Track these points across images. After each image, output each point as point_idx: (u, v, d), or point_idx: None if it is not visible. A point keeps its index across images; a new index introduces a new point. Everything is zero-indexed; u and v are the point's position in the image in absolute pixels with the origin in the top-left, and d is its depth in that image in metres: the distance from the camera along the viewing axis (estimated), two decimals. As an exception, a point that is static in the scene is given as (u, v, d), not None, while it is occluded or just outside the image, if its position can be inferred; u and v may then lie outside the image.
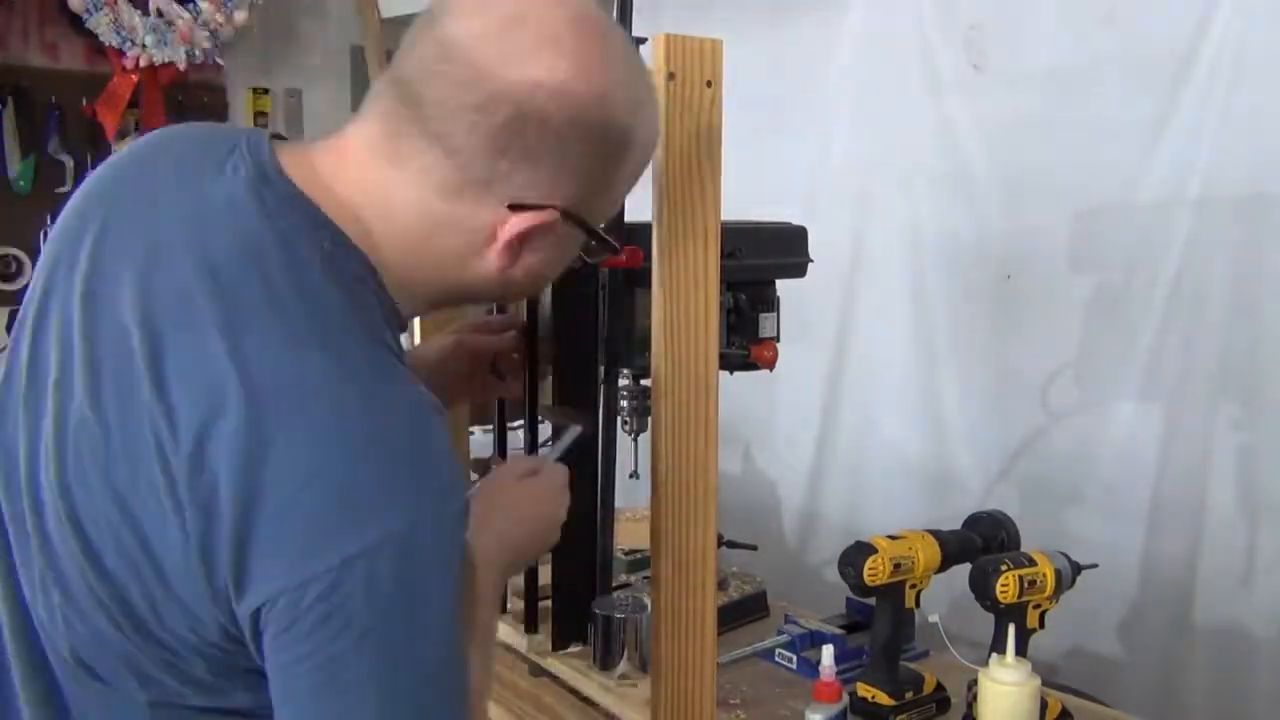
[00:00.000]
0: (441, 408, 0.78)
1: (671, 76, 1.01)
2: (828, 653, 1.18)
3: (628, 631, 1.33)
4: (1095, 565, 1.38)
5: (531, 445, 1.36)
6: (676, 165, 1.03)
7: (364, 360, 0.75)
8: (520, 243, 0.83)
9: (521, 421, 1.39)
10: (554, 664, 1.38)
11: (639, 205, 1.12)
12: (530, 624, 1.38)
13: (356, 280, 0.79)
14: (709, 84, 1.04)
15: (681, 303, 1.05)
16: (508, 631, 1.42)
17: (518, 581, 1.43)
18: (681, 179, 1.03)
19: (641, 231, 1.11)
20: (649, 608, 1.28)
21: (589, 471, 1.32)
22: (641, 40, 1.18)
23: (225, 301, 0.74)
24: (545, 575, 1.38)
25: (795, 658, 1.52)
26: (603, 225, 0.91)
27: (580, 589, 1.37)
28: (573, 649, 1.42)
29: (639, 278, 1.23)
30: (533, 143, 0.79)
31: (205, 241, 0.76)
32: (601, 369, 1.31)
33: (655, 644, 1.09)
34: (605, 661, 1.34)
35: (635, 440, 1.42)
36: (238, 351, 0.72)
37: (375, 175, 0.82)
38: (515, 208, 0.81)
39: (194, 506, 0.70)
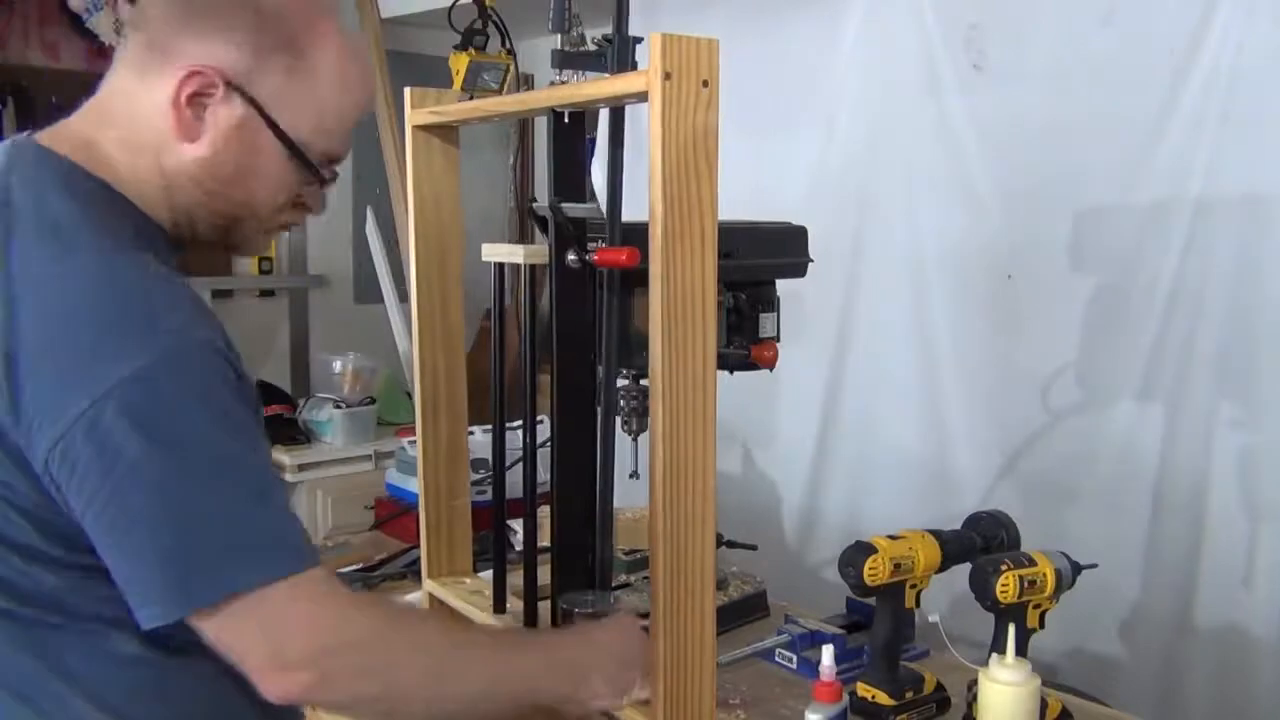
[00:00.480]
0: (171, 274, 0.89)
1: (668, 76, 1.01)
2: (828, 653, 1.18)
3: None
4: (1095, 565, 1.38)
5: (531, 445, 1.35)
6: (673, 165, 1.03)
7: (94, 246, 0.86)
8: (190, 105, 0.90)
9: (520, 422, 1.39)
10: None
11: (637, 205, 1.12)
12: (530, 623, 1.37)
13: (91, 194, 0.90)
14: (705, 84, 1.03)
15: (679, 303, 1.05)
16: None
17: (517, 582, 1.43)
18: (678, 179, 1.03)
19: (639, 232, 1.11)
20: (618, 601, 1.30)
21: (589, 471, 1.32)
22: (638, 40, 1.18)
23: None
24: (545, 575, 1.38)
25: (795, 658, 1.52)
26: (313, 146, 0.96)
27: (579, 589, 1.37)
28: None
29: (637, 278, 1.23)
30: (204, 6, 0.90)
31: None
32: (601, 369, 1.31)
33: (655, 644, 1.09)
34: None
35: (635, 440, 1.42)
36: None
37: (102, 94, 0.96)
38: (188, 76, 0.90)
39: None
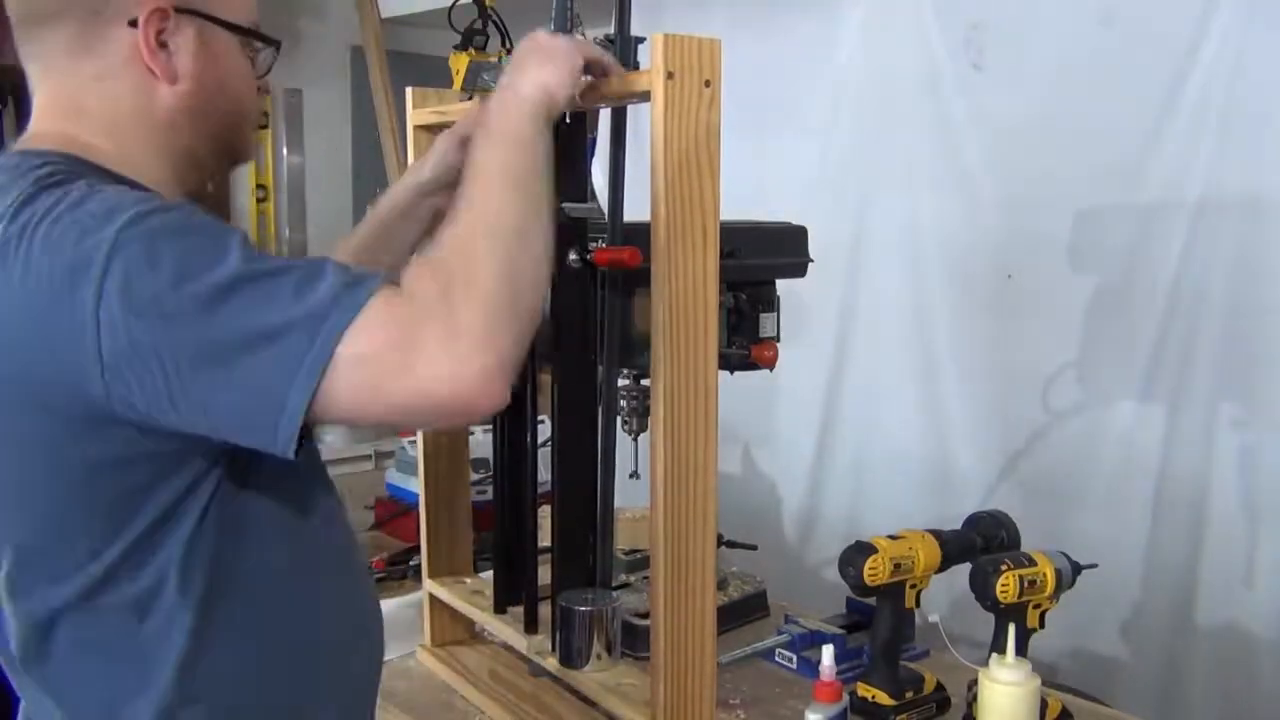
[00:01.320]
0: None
1: (670, 76, 1.01)
2: (828, 653, 1.18)
3: (593, 626, 1.29)
4: (1095, 565, 1.38)
5: (533, 445, 1.35)
6: (675, 165, 1.03)
7: (40, 195, 0.83)
8: (161, 48, 0.91)
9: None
10: (554, 664, 1.37)
11: (638, 205, 1.12)
12: (530, 624, 1.37)
13: (95, 173, 0.88)
14: (707, 83, 1.04)
15: (681, 303, 1.05)
16: (508, 632, 1.41)
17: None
18: (680, 178, 1.03)
19: (641, 231, 1.11)
20: (615, 600, 1.30)
21: (589, 471, 1.32)
22: (640, 40, 1.18)
23: None
24: (545, 575, 1.37)
25: (795, 658, 1.52)
26: (248, 24, 0.97)
27: (579, 588, 1.36)
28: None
29: (638, 278, 1.23)
30: None
31: None
32: (601, 369, 1.31)
33: (655, 644, 1.09)
34: (569, 657, 1.30)
35: (635, 440, 1.42)
36: None
37: (58, 94, 0.93)
38: (133, 23, 0.89)
39: None
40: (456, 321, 0.80)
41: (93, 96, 0.92)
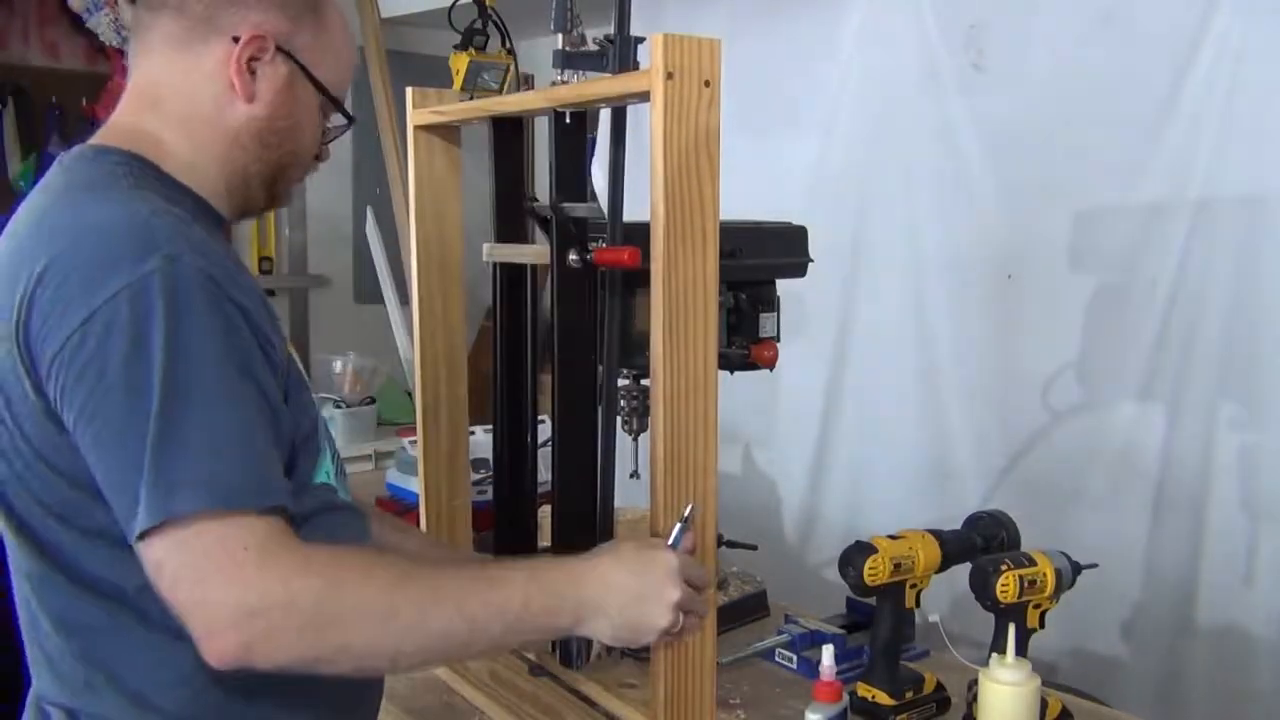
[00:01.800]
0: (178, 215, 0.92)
1: (670, 76, 1.01)
2: (828, 653, 1.18)
3: None
4: (1095, 565, 1.38)
5: (533, 446, 1.35)
6: (675, 165, 1.03)
7: (120, 193, 0.92)
8: (249, 69, 0.99)
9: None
10: (553, 663, 1.37)
11: (638, 205, 1.12)
12: None
13: (142, 173, 0.96)
14: (707, 84, 1.04)
15: (680, 303, 1.05)
16: None
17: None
18: (680, 179, 1.03)
19: (641, 231, 1.11)
20: None
21: (590, 472, 1.31)
22: (640, 40, 1.18)
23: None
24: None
25: (795, 658, 1.52)
26: (334, 90, 1.06)
27: None
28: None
29: (638, 278, 1.22)
30: None
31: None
32: (601, 370, 1.31)
33: (655, 644, 1.08)
34: (569, 657, 1.28)
35: (635, 440, 1.42)
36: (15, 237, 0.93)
37: (143, 77, 1.01)
38: (236, 40, 0.98)
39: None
40: (286, 615, 0.81)
41: (175, 89, 0.99)
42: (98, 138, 1.01)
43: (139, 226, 0.87)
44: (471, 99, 1.37)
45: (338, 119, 1.09)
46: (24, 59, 3.01)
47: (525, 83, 1.42)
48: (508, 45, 1.38)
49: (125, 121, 1.01)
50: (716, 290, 1.08)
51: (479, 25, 1.36)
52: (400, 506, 2.22)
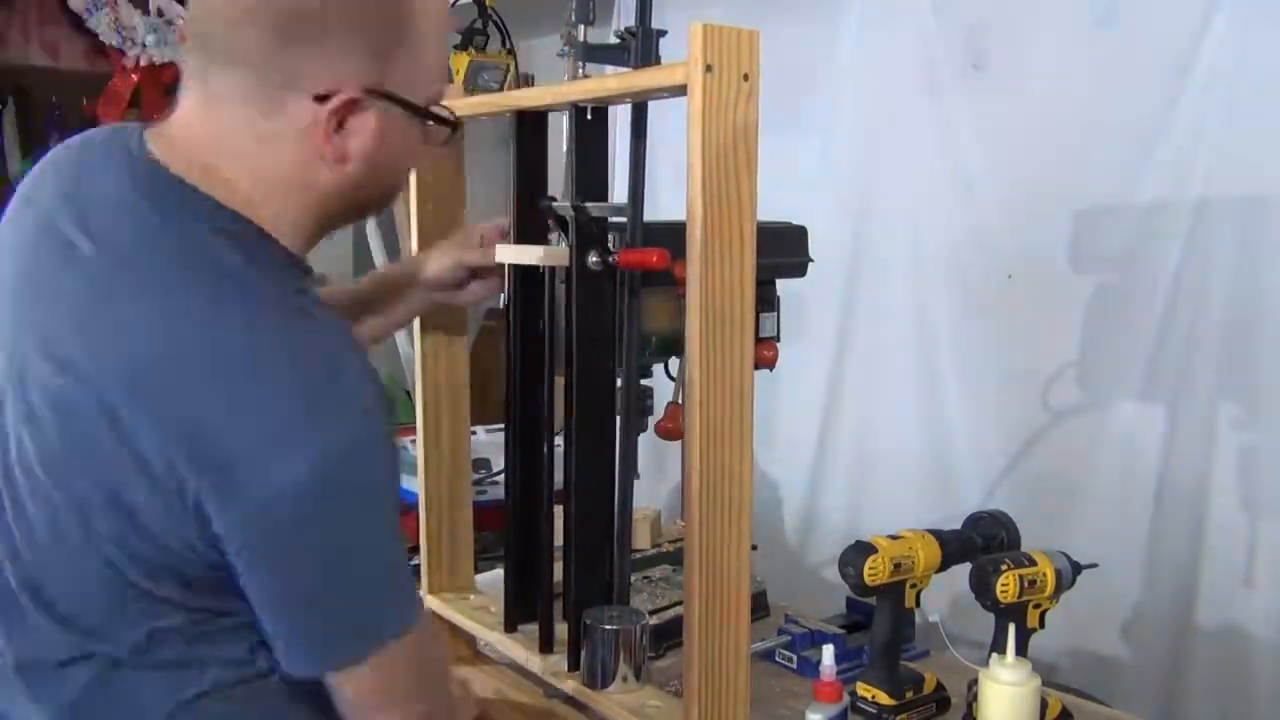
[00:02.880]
0: (357, 340, 0.88)
1: (709, 69, 0.96)
2: (828, 653, 1.18)
3: (620, 646, 1.22)
4: (1095, 565, 1.38)
5: (549, 454, 1.32)
6: (713, 162, 0.98)
7: (271, 293, 0.84)
8: (338, 131, 0.86)
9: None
10: (572, 685, 1.28)
11: (670, 203, 1.10)
12: (545, 645, 1.30)
13: (241, 236, 0.86)
14: (745, 77, 1.00)
15: (717, 307, 1.00)
16: (520, 652, 1.35)
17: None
18: (717, 176, 0.99)
19: (658, 231, 1.10)
20: (644, 618, 1.24)
21: (606, 477, 1.28)
22: (662, 33, 1.16)
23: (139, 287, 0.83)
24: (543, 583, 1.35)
25: (795, 658, 1.52)
26: (431, 101, 0.93)
27: (598, 603, 1.28)
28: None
29: (644, 277, 1.22)
30: (312, 27, 0.83)
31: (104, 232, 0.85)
32: (619, 371, 1.28)
33: (688, 668, 1.04)
34: (597, 678, 1.23)
35: (635, 440, 1.41)
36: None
37: (213, 128, 0.87)
38: (319, 99, 0.84)
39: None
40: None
41: (248, 149, 0.87)
42: (158, 143, 0.88)
43: (331, 364, 0.82)
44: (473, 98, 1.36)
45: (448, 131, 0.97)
46: (24, 59, 3.01)
47: (525, 82, 1.41)
48: (508, 45, 1.38)
49: (189, 150, 0.87)
50: (753, 293, 1.04)
51: (479, 25, 1.36)
52: (400, 506, 2.21)
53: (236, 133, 0.86)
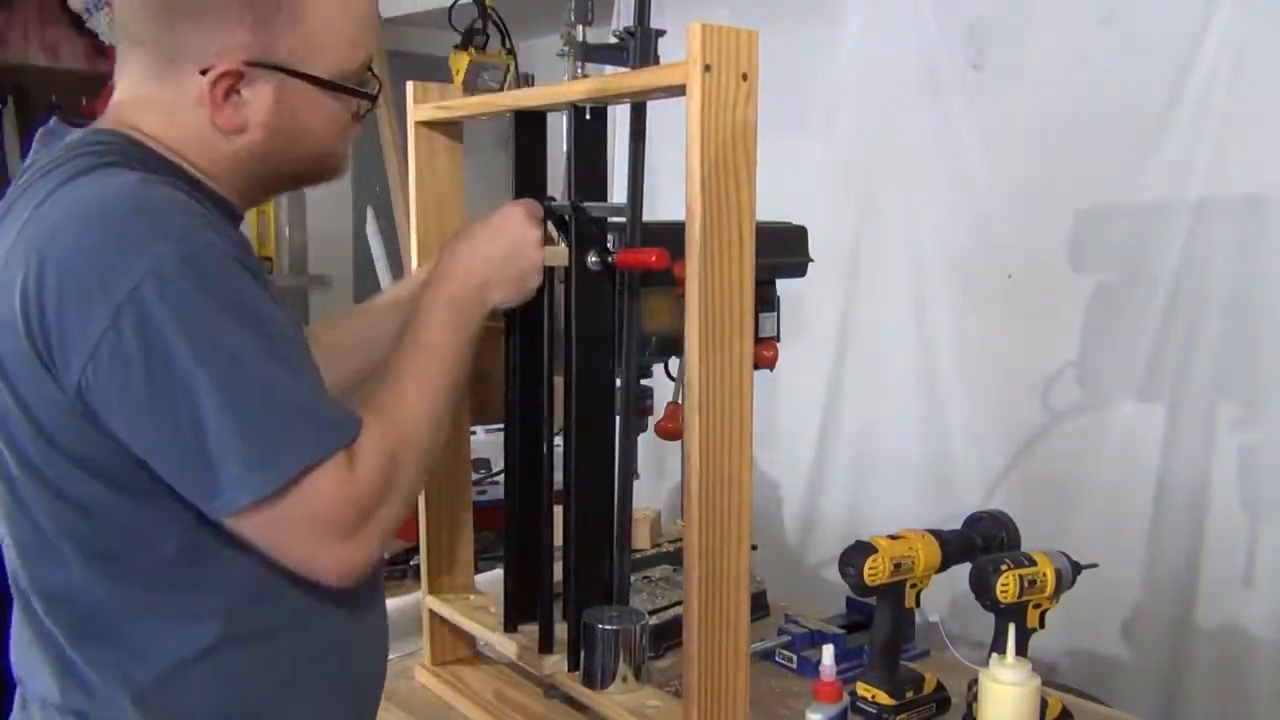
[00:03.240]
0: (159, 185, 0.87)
1: (708, 69, 0.97)
2: (828, 653, 1.18)
3: (620, 647, 1.21)
4: (1095, 565, 1.38)
5: (549, 456, 1.32)
6: (711, 162, 0.99)
7: (121, 175, 0.86)
8: (227, 99, 0.90)
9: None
10: (571, 685, 1.28)
11: (668, 203, 1.10)
12: (545, 645, 1.30)
13: (115, 144, 0.90)
14: (744, 77, 1.00)
15: (717, 307, 1.01)
16: (520, 653, 1.34)
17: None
18: (716, 176, 0.99)
19: (657, 231, 1.10)
20: (644, 618, 1.24)
21: (605, 478, 1.28)
22: (660, 33, 1.16)
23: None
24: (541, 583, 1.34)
25: (795, 658, 1.52)
26: (338, 73, 0.94)
27: (597, 602, 1.28)
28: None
29: (643, 277, 1.22)
30: (192, 3, 0.89)
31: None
32: (618, 371, 1.27)
33: (688, 668, 1.04)
34: (596, 678, 1.23)
35: (635, 440, 1.41)
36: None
37: (132, 103, 0.93)
38: (203, 72, 0.89)
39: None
40: (379, 520, 0.88)
41: (162, 123, 0.92)
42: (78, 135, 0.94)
43: (144, 203, 0.83)
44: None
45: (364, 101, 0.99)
46: (24, 59, 3.01)
47: (525, 82, 1.41)
48: (508, 45, 1.38)
49: (120, 116, 0.93)
50: (752, 293, 1.04)
51: (479, 25, 1.36)
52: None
53: (149, 105, 0.92)
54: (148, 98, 0.92)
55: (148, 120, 0.92)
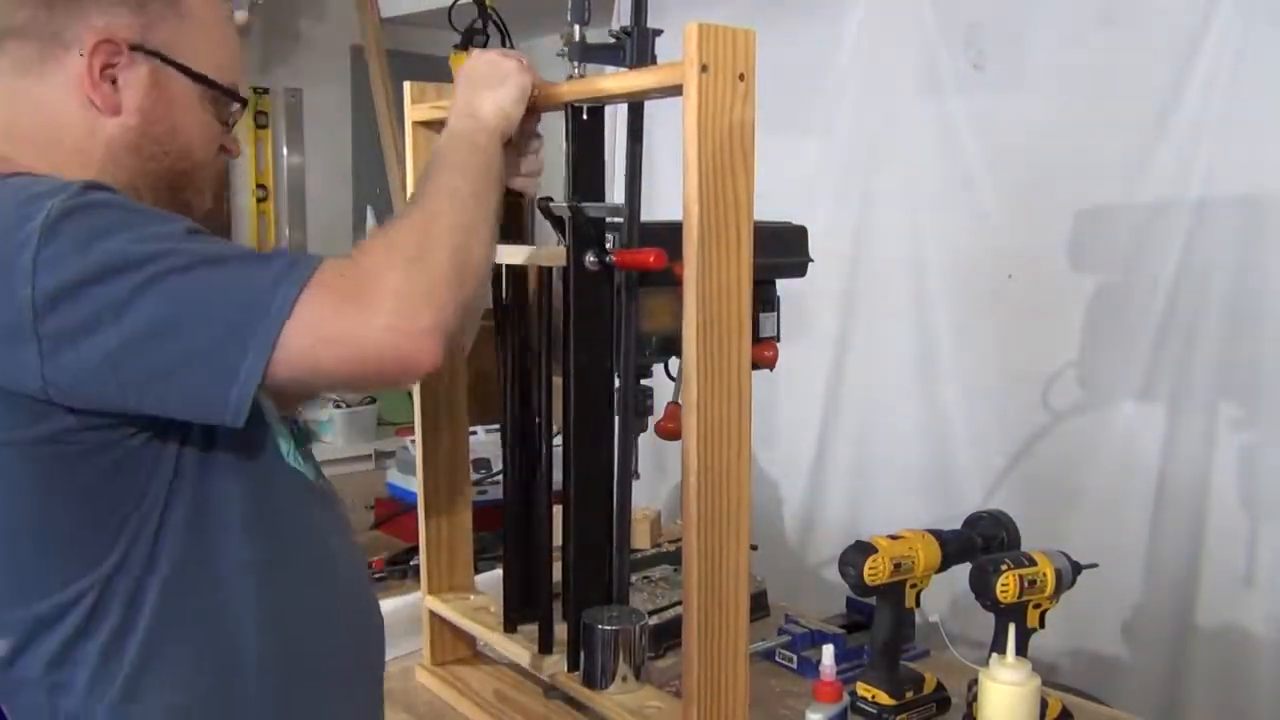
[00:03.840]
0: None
1: (704, 69, 0.97)
2: (828, 653, 1.18)
3: (619, 647, 1.21)
4: (1095, 565, 1.38)
5: (547, 456, 1.32)
6: (709, 162, 0.98)
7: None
8: (103, 77, 0.90)
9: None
10: (571, 684, 1.28)
11: (666, 204, 1.10)
12: (545, 645, 1.30)
13: None
14: (741, 77, 1.00)
15: (714, 307, 1.01)
16: (519, 653, 1.34)
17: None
18: (714, 176, 0.99)
19: (654, 231, 1.10)
20: (643, 618, 1.24)
21: (604, 476, 1.28)
22: (658, 32, 1.16)
23: None
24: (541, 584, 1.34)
25: (795, 658, 1.52)
26: (214, 75, 0.96)
27: (597, 603, 1.28)
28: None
29: (642, 277, 1.21)
30: None
31: None
32: (616, 371, 1.27)
33: (688, 668, 1.04)
34: (597, 678, 1.23)
35: (635, 440, 1.41)
36: None
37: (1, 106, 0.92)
38: (84, 55, 0.89)
39: None
40: (404, 281, 0.83)
41: (32, 120, 0.91)
42: None
43: (29, 185, 0.82)
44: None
45: (235, 105, 1.00)
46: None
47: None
48: (508, 45, 1.38)
49: None
50: (750, 293, 1.04)
51: (479, 25, 1.36)
52: (400, 506, 2.22)
53: (19, 107, 0.91)
54: (19, 98, 0.91)
55: (16, 140, 0.91)
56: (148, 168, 0.94)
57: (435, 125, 1.44)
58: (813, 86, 2.47)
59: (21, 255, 0.77)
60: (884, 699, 1.36)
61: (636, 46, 1.15)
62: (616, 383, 1.27)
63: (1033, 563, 1.31)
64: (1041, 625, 1.32)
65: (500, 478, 1.51)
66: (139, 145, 0.93)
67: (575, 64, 1.18)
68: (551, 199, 1.22)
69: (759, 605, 1.71)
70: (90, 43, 0.89)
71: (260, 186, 3.57)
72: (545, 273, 1.27)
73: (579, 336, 1.22)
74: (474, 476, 1.74)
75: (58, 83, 0.90)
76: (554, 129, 1.20)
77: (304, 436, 1.03)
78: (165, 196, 0.96)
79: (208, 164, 1.00)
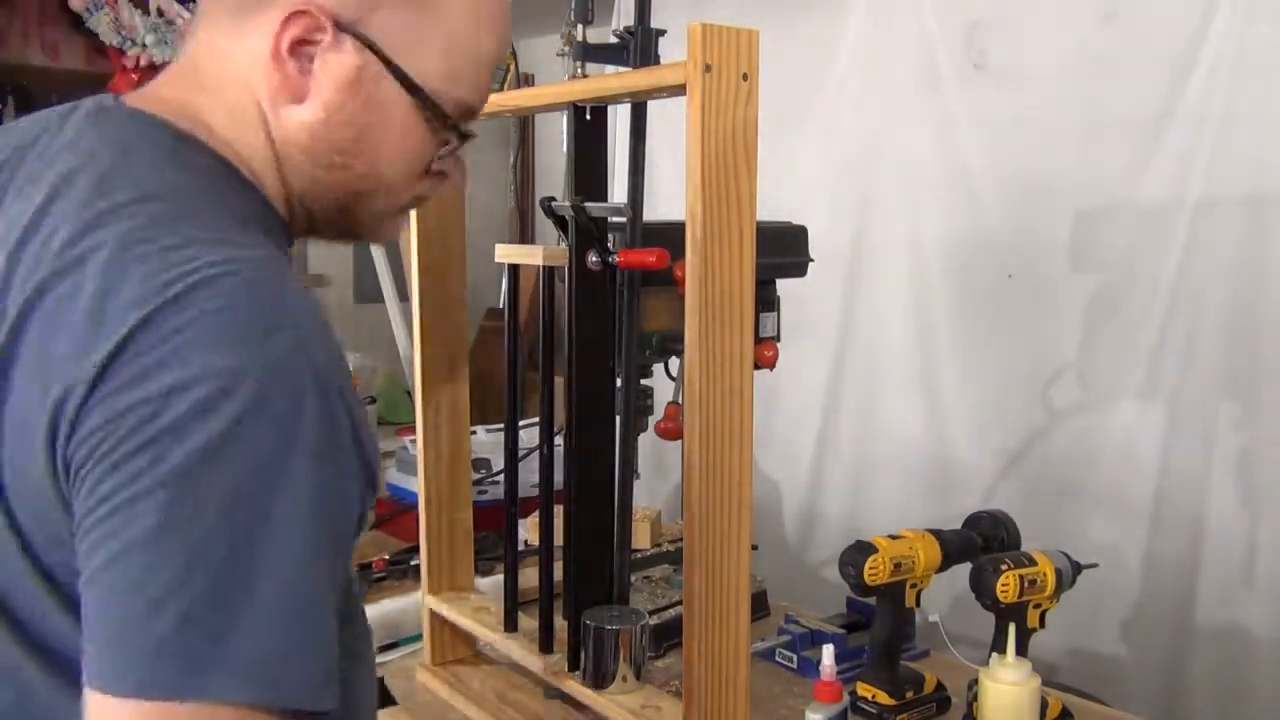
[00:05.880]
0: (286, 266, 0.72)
1: (708, 69, 0.97)
2: (828, 652, 1.18)
3: (620, 646, 1.21)
4: (1096, 565, 1.38)
5: (549, 450, 1.32)
6: (712, 162, 0.98)
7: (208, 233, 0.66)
8: (294, 56, 0.73)
9: (522, 422, 1.37)
10: (571, 684, 1.27)
11: (668, 203, 1.10)
12: (545, 645, 1.30)
13: (209, 170, 0.73)
14: (745, 77, 1.00)
15: (717, 307, 1.00)
16: (520, 652, 1.34)
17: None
18: (717, 176, 0.99)
19: (657, 231, 1.09)
20: (644, 618, 1.24)
21: (606, 476, 1.28)
22: (661, 32, 1.16)
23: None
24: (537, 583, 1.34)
25: (795, 657, 1.52)
26: (441, 95, 0.77)
27: (598, 603, 1.28)
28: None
29: (644, 277, 1.21)
30: None
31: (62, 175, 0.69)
32: (618, 371, 1.27)
33: (688, 668, 1.04)
34: (597, 678, 1.22)
35: (635, 440, 1.41)
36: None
37: (187, 56, 0.78)
38: (289, 19, 0.72)
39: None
40: None
41: (218, 71, 0.75)
42: (134, 98, 0.76)
43: (258, 284, 0.65)
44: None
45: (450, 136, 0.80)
46: (24, 59, 3.01)
47: (525, 82, 1.41)
48: (509, 46, 1.38)
49: (168, 93, 0.76)
50: (753, 293, 1.04)
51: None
52: (400, 506, 2.22)
53: (207, 54, 0.76)
54: (213, 49, 0.76)
55: (206, 96, 0.75)
56: (318, 175, 0.77)
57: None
58: (813, 86, 2.47)
59: (195, 366, 0.60)
60: (884, 699, 1.36)
61: (640, 47, 1.15)
62: (617, 382, 1.28)
63: (1033, 562, 1.31)
64: (1041, 625, 1.32)
65: (500, 477, 1.51)
66: (313, 149, 0.76)
67: (577, 64, 1.18)
68: (554, 199, 1.22)
69: (759, 605, 1.71)
70: (287, 8, 0.72)
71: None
72: (548, 272, 1.27)
73: (580, 336, 1.22)
74: (474, 476, 1.74)
75: (250, 40, 0.74)
76: (556, 129, 1.20)
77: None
78: (339, 212, 0.80)
79: (402, 189, 0.81)
